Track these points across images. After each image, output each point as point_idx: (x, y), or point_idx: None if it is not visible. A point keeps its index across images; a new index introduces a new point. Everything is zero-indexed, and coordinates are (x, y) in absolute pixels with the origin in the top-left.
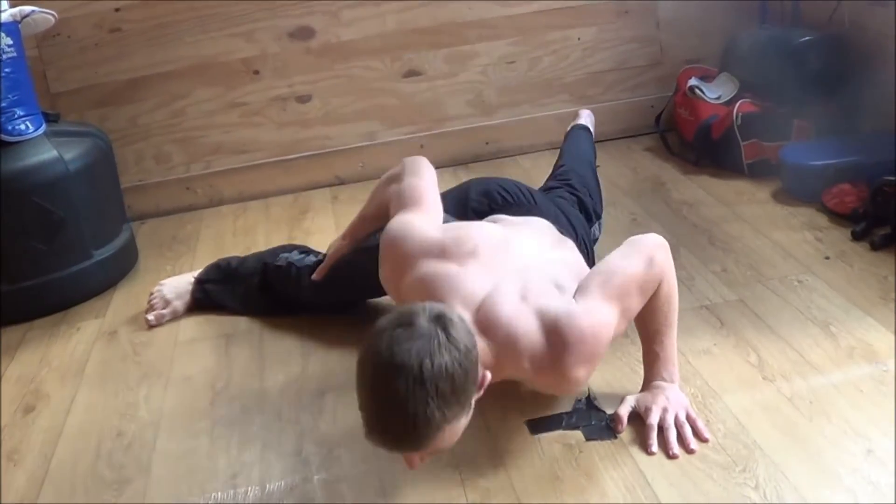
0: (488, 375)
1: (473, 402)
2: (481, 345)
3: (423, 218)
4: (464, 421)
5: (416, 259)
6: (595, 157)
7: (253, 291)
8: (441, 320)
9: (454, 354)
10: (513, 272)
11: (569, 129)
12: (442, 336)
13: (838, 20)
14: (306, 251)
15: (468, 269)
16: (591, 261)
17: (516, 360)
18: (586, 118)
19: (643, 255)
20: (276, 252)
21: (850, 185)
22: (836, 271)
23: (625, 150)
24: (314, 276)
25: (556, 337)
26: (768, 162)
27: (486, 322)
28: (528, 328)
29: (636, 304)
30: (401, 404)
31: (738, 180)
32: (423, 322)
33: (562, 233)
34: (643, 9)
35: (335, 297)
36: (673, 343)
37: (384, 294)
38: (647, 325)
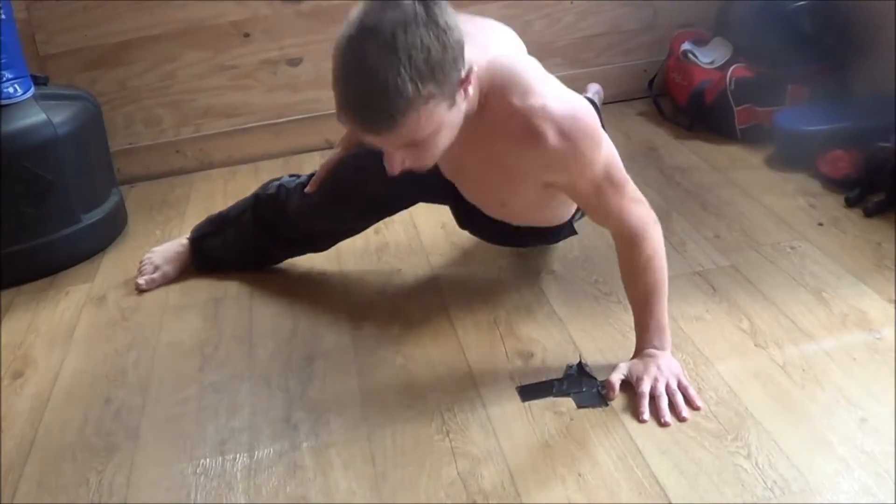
0: (475, 68)
1: (460, 99)
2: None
3: None
4: (446, 112)
5: None
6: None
7: (244, 232)
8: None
9: (433, 29)
10: None
11: None
12: (421, 10)
13: None
14: (297, 175)
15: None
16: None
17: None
18: (595, 93)
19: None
20: (268, 183)
21: (844, 151)
22: (829, 238)
23: (617, 114)
24: (308, 189)
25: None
26: (762, 127)
27: (494, 70)
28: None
29: (618, 166)
30: (371, 72)
31: (732, 145)
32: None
33: None
34: None
35: (326, 220)
36: (664, 310)
37: (380, 211)
38: (638, 291)
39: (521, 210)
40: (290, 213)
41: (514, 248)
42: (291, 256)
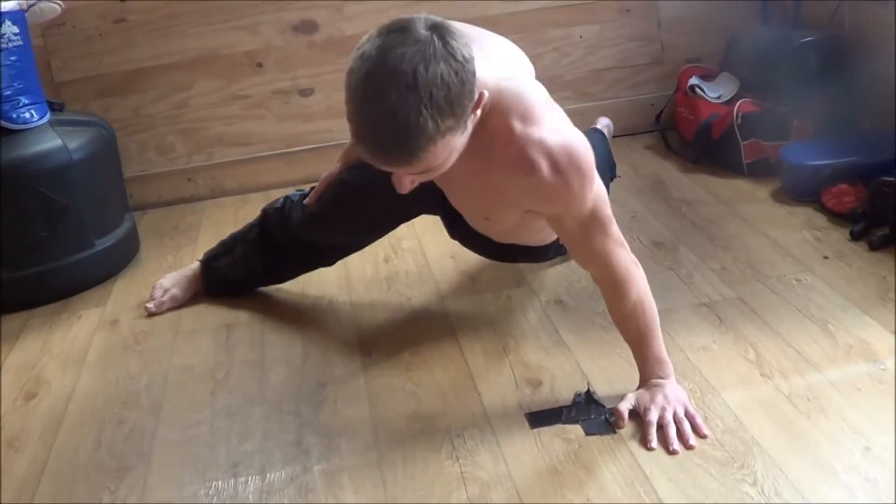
0: (486, 94)
1: (470, 123)
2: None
3: None
4: (458, 138)
5: None
6: (614, 167)
7: (250, 249)
8: (438, 29)
9: (451, 63)
10: None
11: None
12: (438, 43)
13: (839, 20)
14: (303, 190)
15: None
16: None
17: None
18: (605, 126)
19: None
20: (275, 200)
21: (849, 185)
22: (834, 271)
23: (625, 147)
24: (307, 201)
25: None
26: (768, 161)
27: (500, 91)
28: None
29: (603, 210)
30: (392, 110)
31: (738, 179)
32: (419, 28)
33: None
34: (645, 7)
35: (327, 232)
36: (660, 345)
37: (376, 226)
38: (630, 333)
39: (505, 227)
40: (293, 225)
41: (504, 262)
42: (298, 273)
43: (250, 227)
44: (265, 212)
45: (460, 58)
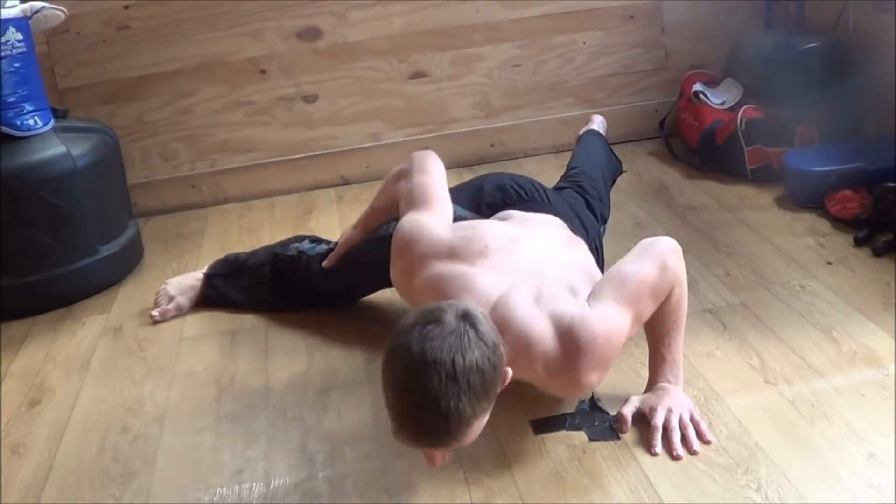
0: (510, 372)
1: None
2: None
3: (433, 217)
4: (487, 416)
5: (427, 260)
6: (619, 163)
7: (261, 283)
8: (468, 317)
9: (483, 350)
10: (526, 273)
11: (581, 133)
12: (471, 332)
13: (843, 26)
14: (317, 240)
15: (479, 270)
16: (601, 263)
17: (529, 363)
18: (599, 124)
19: (656, 260)
20: (287, 242)
21: (853, 191)
22: (838, 277)
23: (629, 154)
24: (325, 263)
25: (570, 341)
26: (771, 167)
27: (501, 323)
28: (542, 332)
29: (649, 309)
30: (434, 400)
31: (742, 185)
32: (450, 318)
33: (574, 232)
34: (649, 14)
35: (344, 286)
36: (680, 346)
37: (391, 285)
38: (655, 328)
39: None
40: (310, 280)
41: None
42: (306, 309)
43: (260, 262)
44: (276, 256)
45: (490, 343)
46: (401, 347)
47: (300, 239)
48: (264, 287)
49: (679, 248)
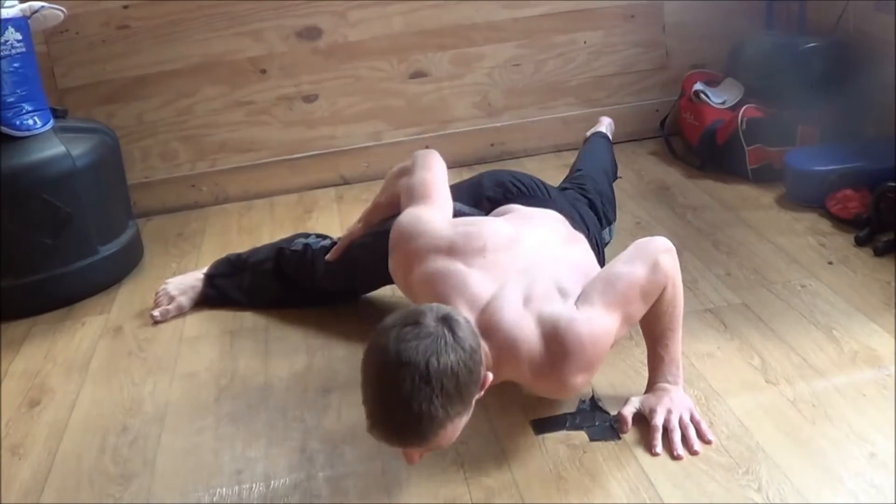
0: (490, 376)
1: (474, 401)
2: (483, 347)
3: (433, 213)
4: (465, 419)
5: (426, 254)
6: (616, 169)
7: (262, 279)
8: (448, 320)
9: (459, 354)
10: (518, 273)
11: (588, 134)
12: (449, 336)
13: (844, 26)
14: (323, 236)
15: (474, 270)
16: (602, 261)
17: (516, 365)
18: (607, 126)
19: (648, 260)
20: (292, 238)
21: (854, 191)
22: (839, 276)
23: (629, 153)
24: (328, 257)
25: (556, 344)
26: (772, 167)
27: (489, 326)
28: (528, 334)
29: (638, 310)
30: (406, 401)
31: (743, 185)
32: (430, 321)
33: (574, 228)
34: (649, 13)
35: (347, 281)
36: (678, 346)
37: (393, 280)
38: (651, 328)
39: None
40: (314, 274)
41: None
42: (307, 307)
43: (262, 258)
44: (281, 251)
45: (468, 347)
46: (378, 347)
47: (306, 235)
48: (265, 285)
49: (672, 247)
